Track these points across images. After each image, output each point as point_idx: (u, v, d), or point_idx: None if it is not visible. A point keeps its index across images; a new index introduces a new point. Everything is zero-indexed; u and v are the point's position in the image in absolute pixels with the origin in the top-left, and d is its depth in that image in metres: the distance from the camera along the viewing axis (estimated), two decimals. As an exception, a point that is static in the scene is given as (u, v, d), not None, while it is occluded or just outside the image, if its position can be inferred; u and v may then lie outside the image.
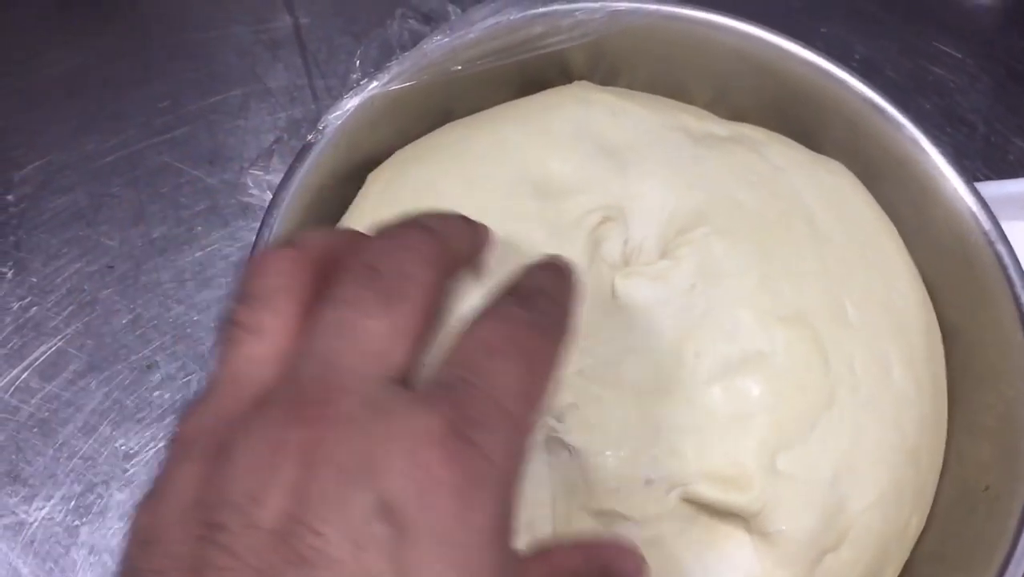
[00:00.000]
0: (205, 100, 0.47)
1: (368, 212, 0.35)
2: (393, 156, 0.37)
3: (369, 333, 0.20)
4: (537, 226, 0.34)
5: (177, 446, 0.20)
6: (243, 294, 0.21)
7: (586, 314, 0.32)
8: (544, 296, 0.22)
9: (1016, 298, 0.35)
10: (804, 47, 0.38)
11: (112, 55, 0.48)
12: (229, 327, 0.21)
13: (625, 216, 0.34)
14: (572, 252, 0.34)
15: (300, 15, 0.50)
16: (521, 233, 0.34)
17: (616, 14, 0.38)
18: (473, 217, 0.33)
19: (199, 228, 0.44)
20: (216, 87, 0.47)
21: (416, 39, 0.43)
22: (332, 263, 0.21)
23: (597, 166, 0.35)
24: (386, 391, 0.19)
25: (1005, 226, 0.45)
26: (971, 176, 0.50)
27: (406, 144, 0.38)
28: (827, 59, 0.38)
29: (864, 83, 0.37)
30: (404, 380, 0.20)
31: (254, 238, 0.33)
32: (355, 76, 0.42)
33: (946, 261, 0.37)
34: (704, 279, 0.33)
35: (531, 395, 0.20)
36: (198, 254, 0.44)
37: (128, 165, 0.45)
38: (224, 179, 0.45)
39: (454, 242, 0.23)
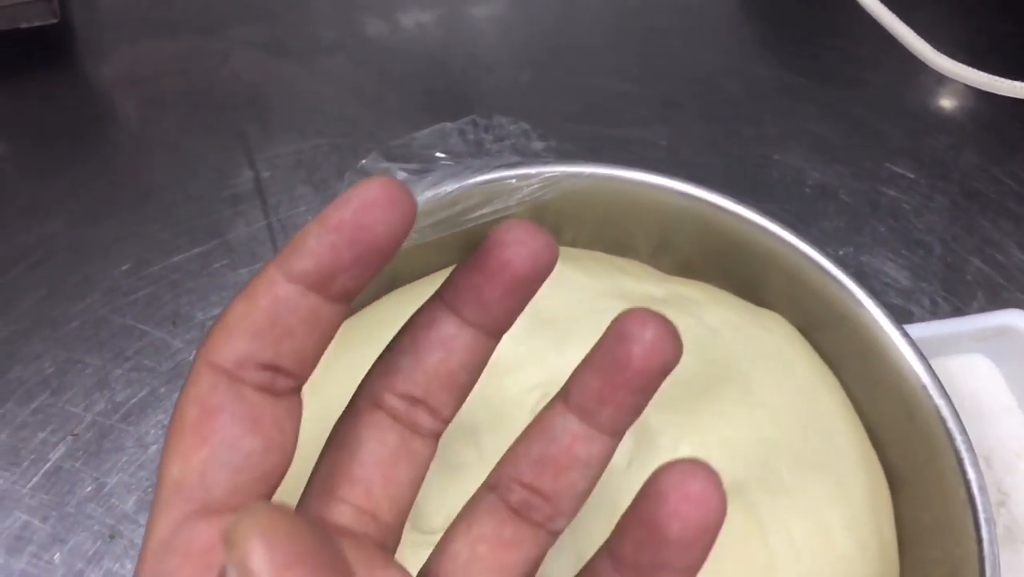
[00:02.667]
0: (168, 260, 0.48)
1: (307, 392, 0.36)
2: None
3: None
4: (479, 406, 0.34)
5: None
6: None
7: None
8: None
9: (957, 452, 0.35)
10: (738, 203, 0.39)
11: (80, 221, 0.49)
12: None
13: (563, 392, 0.35)
14: (513, 434, 0.34)
15: (261, 169, 0.51)
16: (463, 414, 0.34)
17: (552, 179, 0.39)
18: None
19: (162, 390, 0.45)
20: (179, 246, 0.48)
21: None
22: None
23: (536, 340, 0.36)
24: None
25: (959, 360, 0.45)
26: (930, 299, 0.51)
27: (351, 314, 0.39)
28: (761, 215, 0.38)
29: (800, 239, 0.38)
30: None
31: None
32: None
33: (889, 412, 0.37)
34: (641, 455, 0.33)
35: None
36: (161, 416, 0.44)
37: (92, 330, 0.46)
38: (187, 339, 0.46)
39: None
